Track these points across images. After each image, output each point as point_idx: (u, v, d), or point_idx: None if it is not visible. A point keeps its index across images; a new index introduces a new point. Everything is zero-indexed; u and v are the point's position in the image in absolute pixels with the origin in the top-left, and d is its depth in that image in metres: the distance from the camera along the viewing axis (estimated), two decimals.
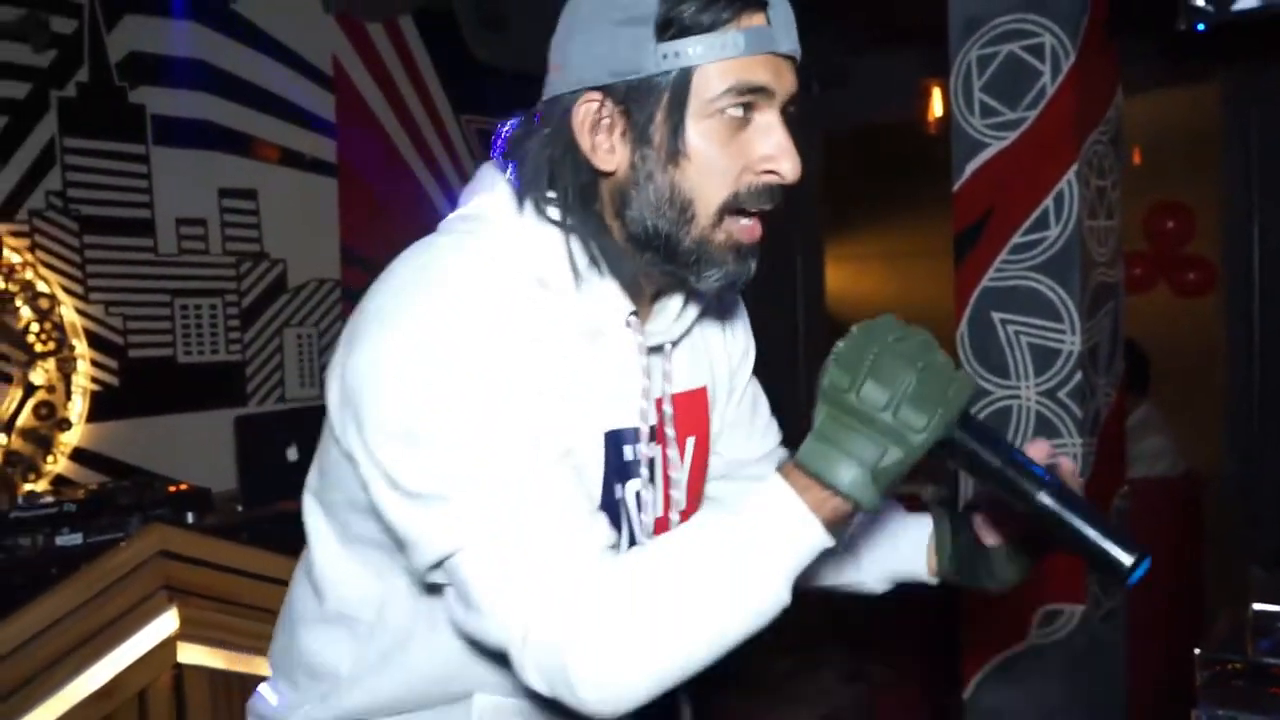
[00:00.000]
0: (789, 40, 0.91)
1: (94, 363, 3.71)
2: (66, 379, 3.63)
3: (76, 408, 3.66)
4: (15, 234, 3.50)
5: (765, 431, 1.22)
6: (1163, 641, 2.55)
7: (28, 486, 3.50)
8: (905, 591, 1.17)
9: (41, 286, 3.55)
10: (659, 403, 1.01)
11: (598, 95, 0.91)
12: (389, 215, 4.57)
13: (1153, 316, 4.61)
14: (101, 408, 3.72)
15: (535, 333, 0.90)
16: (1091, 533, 0.85)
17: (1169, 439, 3.58)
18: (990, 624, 2.47)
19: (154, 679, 2.18)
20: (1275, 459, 4.65)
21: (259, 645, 2.32)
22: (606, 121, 0.91)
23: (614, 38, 0.89)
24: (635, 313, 0.98)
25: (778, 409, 1.25)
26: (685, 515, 1.05)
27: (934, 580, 1.11)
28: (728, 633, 0.83)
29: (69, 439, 3.64)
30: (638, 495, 1.00)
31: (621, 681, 0.84)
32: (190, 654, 2.23)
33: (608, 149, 0.92)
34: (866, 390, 0.81)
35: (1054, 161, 2.37)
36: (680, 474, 1.04)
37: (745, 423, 1.19)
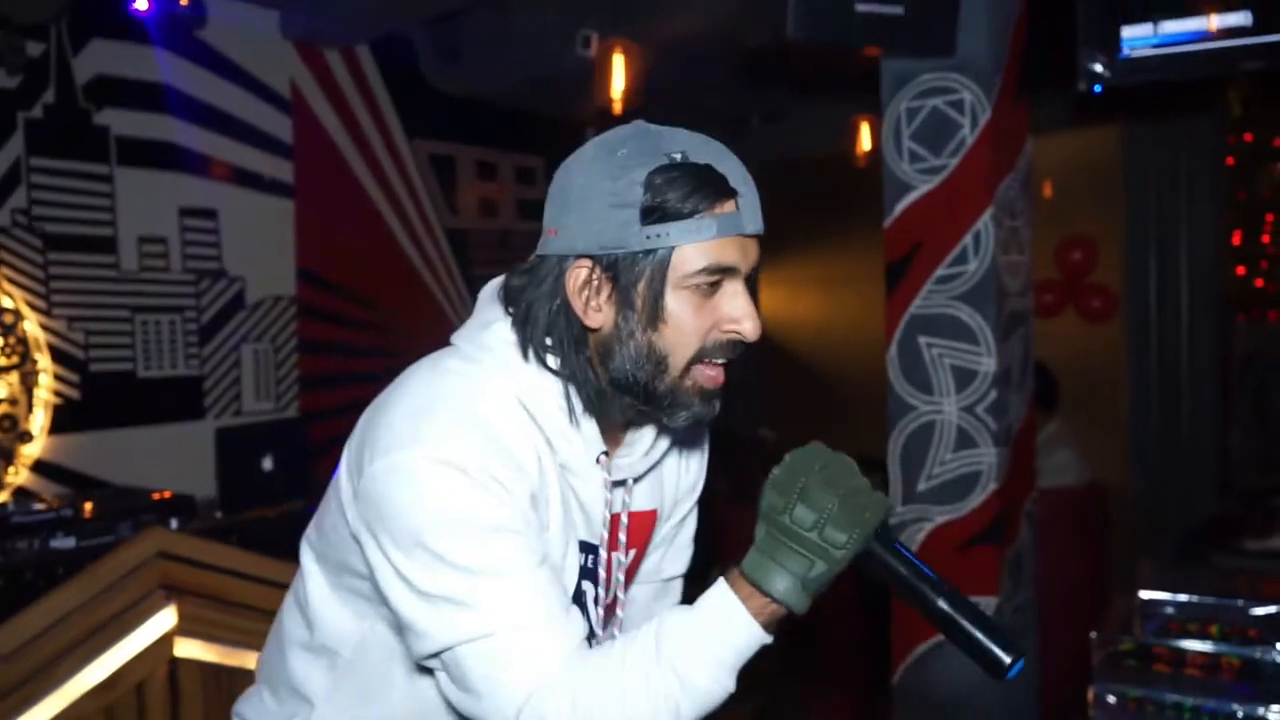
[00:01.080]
0: (754, 223, 1.04)
1: (56, 376, 3.79)
2: (29, 392, 3.70)
3: (38, 420, 3.74)
4: None
5: (677, 556, 1.36)
6: (1069, 630, 2.84)
7: None
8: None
9: (5, 301, 3.63)
10: (615, 520, 1.17)
11: (588, 262, 1.04)
12: (343, 235, 4.72)
13: (1062, 340, 4.99)
14: (63, 420, 3.79)
15: (528, 458, 1.05)
16: (979, 634, 1.00)
17: (1076, 453, 3.91)
18: (916, 617, 2.73)
19: (152, 672, 2.31)
20: (1172, 471, 5.06)
21: (248, 640, 2.49)
22: (595, 285, 1.05)
23: (606, 217, 1.02)
24: (606, 452, 1.13)
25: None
26: (609, 608, 1.21)
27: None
28: (684, 714, 0.98)
29: (30, 451, 3.71)
30: (594, 592, 1.17)
31: None
32: (185, 648, 2.37)
33: (595, 308, 1.05)
34: (797, 513, 0.96)
35: (972, 204, 2.66)
36: (619, 575, 1.21)
37: (668, 542, 1.33)
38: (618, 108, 3.95)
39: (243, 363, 4.36)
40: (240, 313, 4.35)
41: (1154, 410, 5.15)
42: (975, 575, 2.66)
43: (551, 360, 1.08)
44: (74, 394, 3.83)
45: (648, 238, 1.01)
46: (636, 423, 1.17)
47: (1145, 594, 2.28)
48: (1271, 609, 2.16)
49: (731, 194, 1.03)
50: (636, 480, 1.20)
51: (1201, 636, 2.22)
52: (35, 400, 3.72)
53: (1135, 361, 5.14)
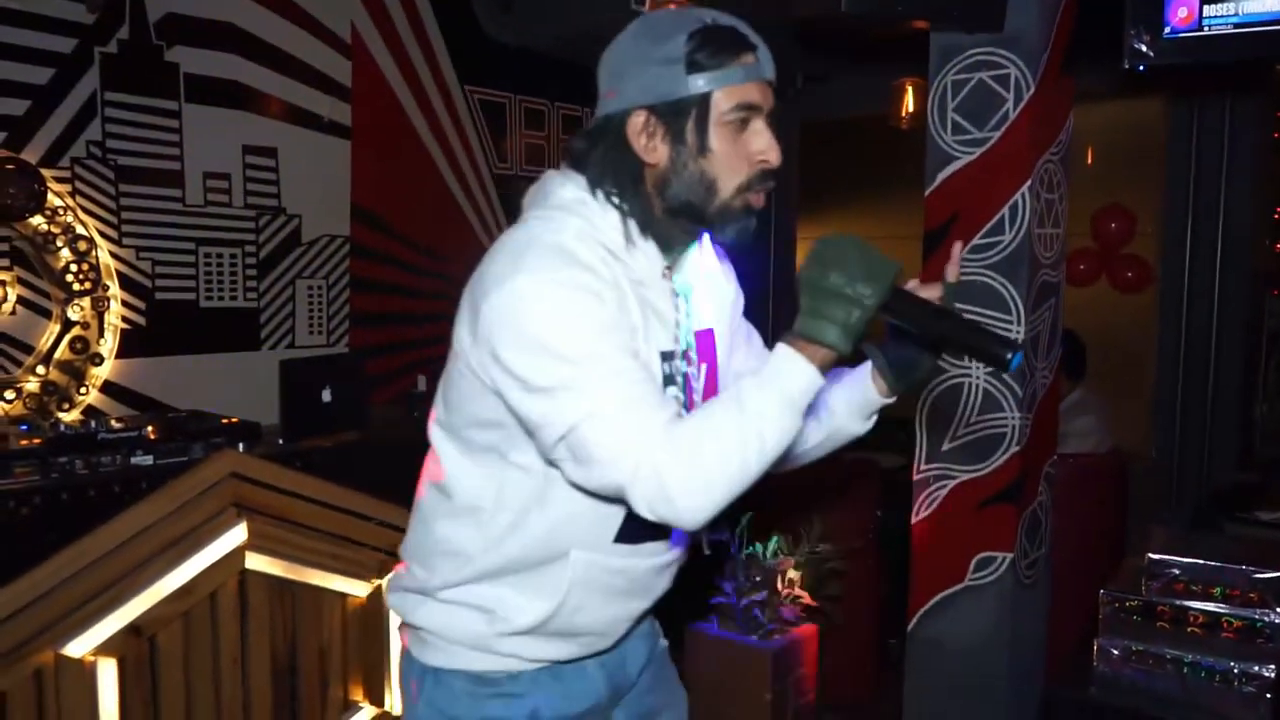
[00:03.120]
0: (770, 70, 1.32)
1: (124, 303, 3.98)
2: (100, 317, 3.90)
3: (108, 344, 3.94)
4: (58, 179, 3.76)
5: (760, 355, 1.59)
6: (1083, 588, 2.98)
7: (61, 415, 3.80)
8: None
9: (80, 230, 3.81)
10: (701, 334, 1.43)
11: (644, 112, 1.30)
12: (396, 177, 4.86)
13: (1094, 308, 5.07)
14: (129, 345, 4.00)
15: (608, 275, 1.27)
16: (983, 340, 1.23)
17: (1100, 420, 4.02)
18: (932, 567, 2.89)
19: (224, 582, 2.52)
20: (1195, 440, 5.16)
21: (310, 557, 2.70)
22: (650, 129, 1.30)
23: (656, 73, 1.29)
24: (669, 267, 1.38)
25: None
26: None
27: (890, 398, 1.45)
28: (765, 452, 1.18)
29: (100, 373, 3.92)
30: (680, 396, 1.40)
31: (703, 494, 1.17)
32: (254, 562, 2.57)
33: (652, 148, 1.31)
34: (832, 277, 1.17)
35: (1011, 177, 2.76)
36: (698, 384, 1.43)
37: (743, 346, 1.57)
38: None
39: (297, 297, 4.54)
40: (296, 249, 4.51)
41: (1181, 381, 5.23)
42: (992, 531, 2.80)
43: (614, 198, 1.33)
44: (140, 320, 4.03)
45: (692, 85, 1.27)
46: (685, 244, 1.41)
47: (1154, 555, 2.41)
48: (1273, 574, 2.29)
49: (753, 48, 1.30)
50: (693, 292, 1.44)
51: (1204, 598, 2.36)
52: (105, 325, 3.91)
53: (1165, 332, 5.21)
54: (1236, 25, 2.74)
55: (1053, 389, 2.98)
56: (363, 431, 3.27)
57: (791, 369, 1.19)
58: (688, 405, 1.41)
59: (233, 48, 4.20)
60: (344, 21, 4.58)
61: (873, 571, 3.69)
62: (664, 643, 1.67)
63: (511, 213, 5.06)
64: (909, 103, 5.29)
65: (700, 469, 1.16)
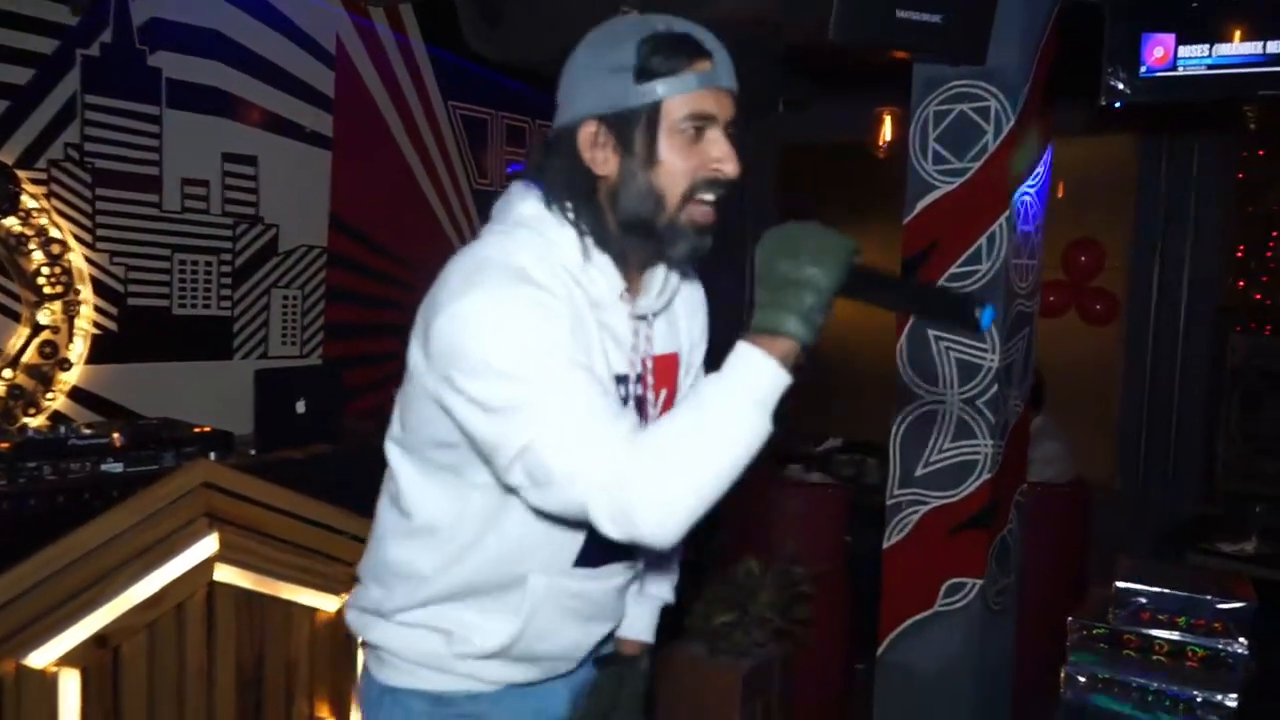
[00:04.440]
0: (728, 78, 1.25)
1: (96, 308, 3.94)
2: (70, 321, 3.85)
3: (77, 349, 3.89)
4: (34, 181, 3.72)
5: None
6: (1048, 616, 3.01)
7: (27, 420, 3.74)
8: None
9: (54, 232, 3.77)
10: (644, 360, 1.37)
11: (594, 123, 1.25)
12: (376, 191, 4.85)
13: (1062, 339, 5.14)
14: (100, 351, 3.95)
15: (563, 295, 1.23)
16: (953, 302, 1.23)
17: (1063, 447, 4.08)
18: (903, 592, 2.91)
19: (192, 593, 2.48)
20: (1159, 472, 5.24)
21: (280, 571, 2.66)
22: (601, 140, 1.25)
23: (606, 82, 1.24)
24: (627, 289, 1.32)
25: None
26: None
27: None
28: (735, 458, 1.12)
29: (68, 378, 3.87)
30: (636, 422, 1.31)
31: (669, 507, 1.11)
32: (223, 574, 2.54)
33: (603, 160, 1.26)
34: (781, 265, 1.14)
35: (990, 207, 2.80)
36: (654, 410, 1.38)
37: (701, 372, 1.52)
38: None
39: (272, 307, 4.51)
40: (273, 258, 4.49)
41: (1145, 413, 5.32)
42: (963, 557, 2.83)
43: (570, 214, 1.29)
44: (112, 326, 3.99)
45: (641, 94, 1.22)
46: (648, 264, 1.36)
47: (1121, 584, 2.45)
48: (1236, 605, 2.33)
49: (708, 55, 1.24)
50: (655, 316, 1.39)
51: (1170, 627, 2.40)
52: (75, 329, 3.87)
53: (1131, 365, 5.29)
54: (1210, 66, 2.82)
55: (1024, 418, 3.03)
56: (336, 444, 3.25)
57: (752, 366, 1.13)
58: None
59: (216, 54, 4.18)
60: (329, 33, 4.58)
61: (840, 595, 3.70)
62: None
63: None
64: (886, 131, 5.36)
65: (665, 482, 1.11)
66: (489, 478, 1.28)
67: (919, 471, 2.90)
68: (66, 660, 2.24)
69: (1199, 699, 2.29)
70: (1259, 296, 5.99)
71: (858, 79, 4.78)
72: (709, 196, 1.26)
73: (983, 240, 2.82)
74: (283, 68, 4.41)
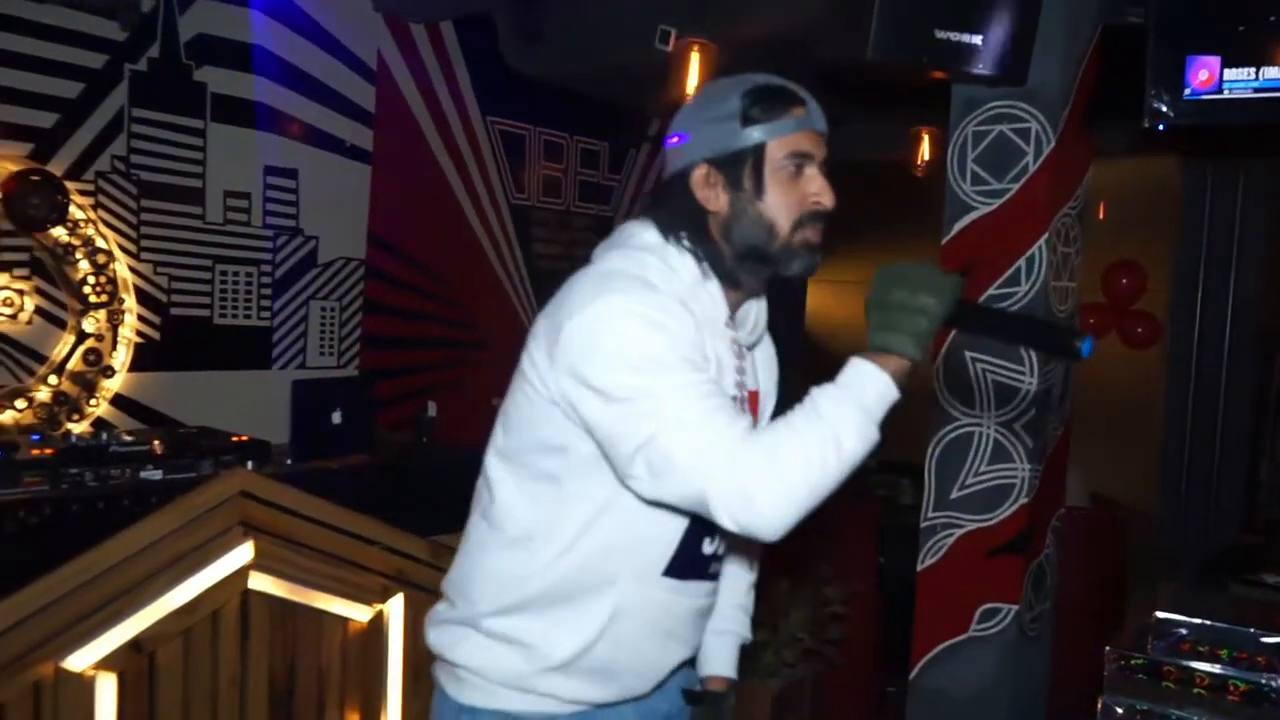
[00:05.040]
0: (821, 122, 1.41)
1: (140, 317, 4.01)
2: (114, 329, 3.92)
3: (120, 357, 3.95)
4: (81, 192, 3.79)
5: None
6: (1081, 644, 2.97)
7: (70, 426, 3.80)
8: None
9: (100, 242, 3.84)
10: (743, 388, 1.47)
11: (705, 165, 1.39)
12: (414, 204, 4.90)
13: (1102, 363, 5.07)
14: (142, 359, 4.01)
15: (687, 314, 1.32)
16: (1056, 334, 1.38)
17: (1076, 472, 4.00)
18: (937, 616, 2.88)
19: (227, 600, 2.51)
20: (1200, 499, 5.15)
21: (313, 580, 2.69)
22: (712, 180, 1.39)
23: (715, 129, 1.39)
24: (732, 318, 1.44)
25: None
26: None
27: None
28: (845, 459, 1.21)
29: (111, 385, 3.93)
30: None
31: (785, 500, 1.19)
32: (258, 582, 2.56)
33: (714, 197, 1.39)
34: (895, 293, 1.25)
35: (1029, 229, 2.78)
36: None
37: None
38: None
39: (310, 318, 4.56)
40: (312, 270, 4.54)
41: (1187, 439, 5.23)
42: (998, 582, 2.79)
43: (687, 242, 1.41)
44: (154, 335, 4.05)
45: (747, 137, 1.37)
46: (751, 294, 1.48)
47: (1160, 614, 2.40)
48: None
49: (802, 102, 1.40)
50: (750, 350, 1.51)
51: (1211, 659, 2.34)
52: (119, 338, 3.93)
53: (1173, 390, 5.21)
54: (1257, 90, 2.77)
55: (1063, 441, 2.99)
56: (370, 454, 3.28)
57: (866, 377, 1.24)
58: None
59: (260, 69, 4.25)
60: (370, 48, 4.64)
61: (873, 617, 3.67)
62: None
63: (525, 242, 5.13)
64: (924, 151, 5.33)
65: (782, 474, 1.19)
66: (591, 487, 1.35)
67: (954, 494, 2.87)
68: (104, 664, 2.27)
69: None
70: None
71: (895, 98, 4.77)
72: (813, 227, 1.41)
73: (1021, 262, 2.79)
74: (324, 83, 4.47)
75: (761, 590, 3.18)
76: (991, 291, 2.83)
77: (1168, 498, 5.19)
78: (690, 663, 1.59)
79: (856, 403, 1.23)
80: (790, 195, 1.38)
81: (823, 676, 3.28)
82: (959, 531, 2.86)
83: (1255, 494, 5.11)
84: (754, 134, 1.37)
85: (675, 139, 1.44)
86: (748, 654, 3.07)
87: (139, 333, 4.00)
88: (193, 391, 4.12)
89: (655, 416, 1.23)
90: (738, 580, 1.67)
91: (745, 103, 1.37)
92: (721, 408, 1.24)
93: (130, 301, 3.96)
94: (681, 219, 1.41)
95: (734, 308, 1.46)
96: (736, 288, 1.44)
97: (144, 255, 4.00)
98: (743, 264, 1.41)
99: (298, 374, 4.43)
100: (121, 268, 3.93)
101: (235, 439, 3.01)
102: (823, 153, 1.41)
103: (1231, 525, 4.99)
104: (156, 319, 4.06)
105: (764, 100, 1.37)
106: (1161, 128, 2.85)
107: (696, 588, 1.46)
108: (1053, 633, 3.01)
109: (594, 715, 1.45)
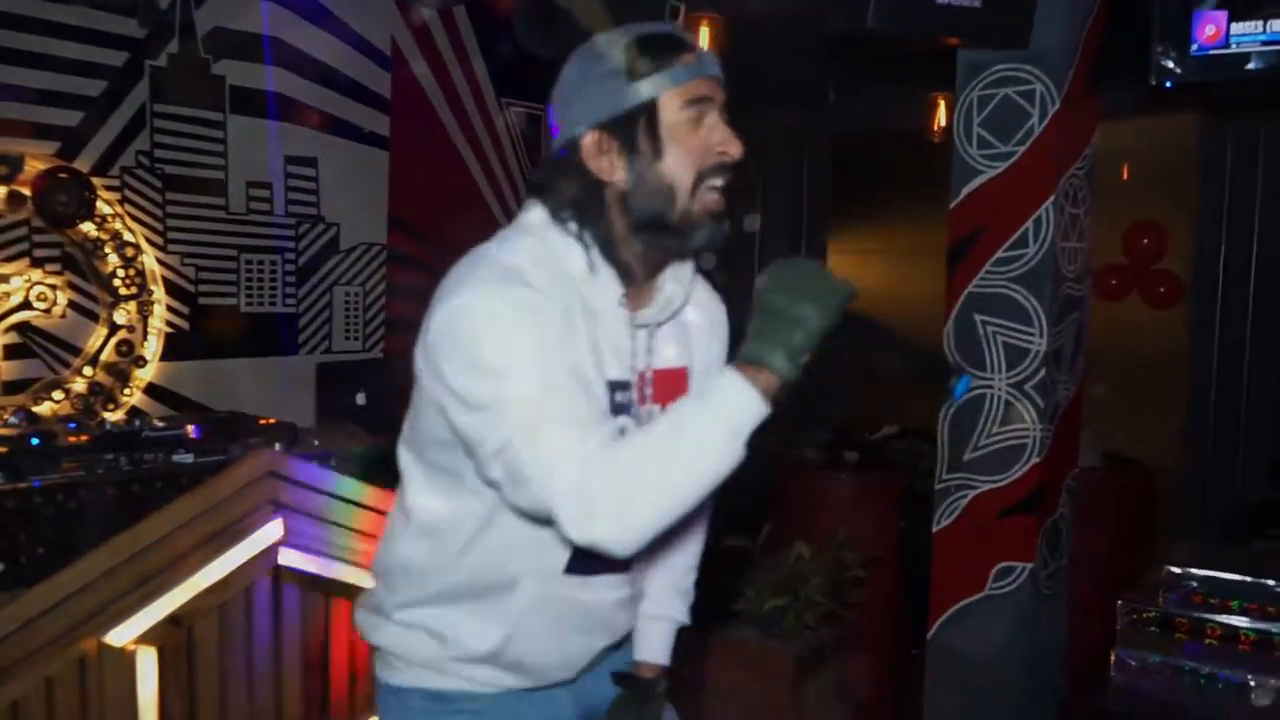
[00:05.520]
0: (714, 67, 1.30)
1: (169, 307, 4.11)
2: (145, 320, 4.03)
3: (151, 347, 4.06)
4: (108, 188, 3.89)
5: None
6: (1104, 601, 2.99)
7: (105, 415, 3.92)
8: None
9: (128, 236, 3.94)
10: (642, 377, 1.37)
11: (595, 132, 1.27)
12: (434, 188, 4.97)
13: (1125, 324, 5.06)
14: (172, 348, 4.12)
15: (557, 299, 1.24)
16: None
17: (1087, 432, 4.00)
18: (953, 576, 2.91)
19: (259, 577, 2.60)
20: (1225, 457, 5.13)
21: (343, 555, 2.77)
22: (605, 147, 1.27)
23: (600, 91, 1.27)
24: (625, 296, 1.33)
25: None
26: None
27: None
28: (702, 481, 1.14)
29: (143, 374, 4.05)
30: (623, 430, 1.33)
31: (629, 521, 1.13)
32: (288, 558, 2.65)
33: (609, 165, 1.28)
34: (779, 297, 1.16)
35: (1036, 191, 2.79)
36: (649, 421, 1.36)
37: None
38: None
39: (334, 304, 4.65)
40: (335, 256, 4.63)
41: (1212, 397, 5.20)
42: (1013, 541, 2.83)
43: (573, 225, 1.31)
44: (183, 324, 4.15)
45: (637, 93, 1.26)
46: (658, 270, 1.38)
47: (1172, 568, 2.43)
48: None
49: (691, 48, 1.29)
50: (659, 327, 1.40)
51: (1221, 610, 2.37)
52: (150, 328, 4.04)
53: (1197, 349, 5.18)
54: (1265, 43, 2.76)
55: (1076, 401, 3.00)
56: (394, 434, 3.35)
57: (735, 396, 1.15)
58: None
59: (276, 60, 4.32)
60: (384, 34, 4.70)
61: (895, 581, 3.71)
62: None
63: None
64: (940, 117, 5.31)
65: (631, 495, 1.13)
66: (483, 485, 1.30)
67: (968, 455, 2.90)
68: (144, 639, 2.36)
69: (1252, 682, 2.26)
70: None
71: (909, 66, 4.76)
72: (717, 182, 1.29)
73: (1029, 224, 2.81)
74: (340, 70, 4.53)
75: (780, 556, 3.23)
76: (1001, 254, 2.84)
77: (1193, 457, 5.17)
78: (622, 645, 1.55)
79: (724, 423, 1.14)
80: (692, 149, 1.27)
81: (845, 640, 3.33)
82: (973, 493, 2.89)
83: None
84: (644, 88, 1.25)
85: (558, 106, 1.32)
86: (771, 618, 3.14)
87: (168, 323, 4.11)
88: (223, 378, 4.23)
89: (509, 424, 1.17)
90: (673, 564, 1.59)
91: (630, 56, 1.26)
92: (581, 418, 1.17)
93: (159, 292, 4.06)
94: (573, 195, 1.31)
95: (641, 283, 1.37)
96: (636, 266, 1.34)
97: (171, 247, 4.10)
98: (641, 237, 1.31)
99: (324, 359, 4.53)
100: (149, 260, 4.03)
101: (263, 422, 3.10)
102: (721, 97, 1.29)
103: (1258, 483, 4.97)
104: (185, 309, 4.16)
105: (650, 50, 1.26)
106: (1169, 85, 2.84)
107: (607, 581, 1.41)
108: (1070, 591, 3.04)
109: (519, 696, 1.43)
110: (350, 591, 2.80)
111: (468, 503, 1.33)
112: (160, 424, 2.91)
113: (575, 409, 1.18)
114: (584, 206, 1.31)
